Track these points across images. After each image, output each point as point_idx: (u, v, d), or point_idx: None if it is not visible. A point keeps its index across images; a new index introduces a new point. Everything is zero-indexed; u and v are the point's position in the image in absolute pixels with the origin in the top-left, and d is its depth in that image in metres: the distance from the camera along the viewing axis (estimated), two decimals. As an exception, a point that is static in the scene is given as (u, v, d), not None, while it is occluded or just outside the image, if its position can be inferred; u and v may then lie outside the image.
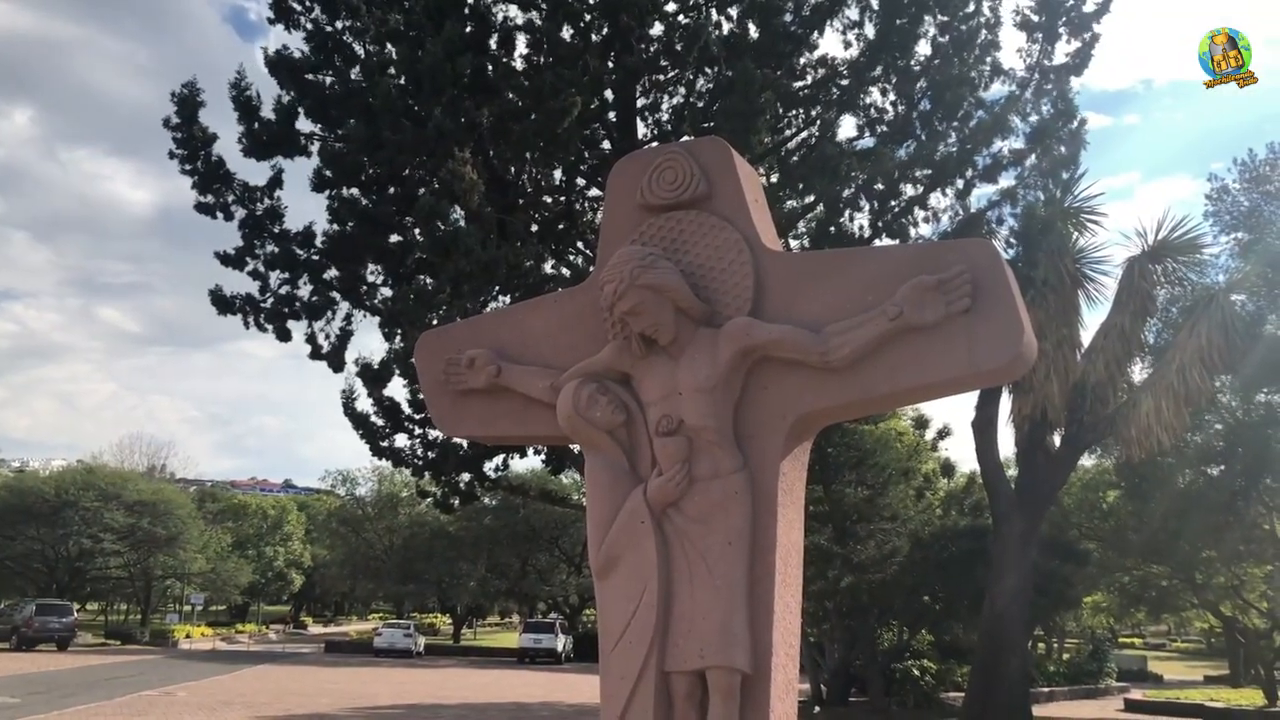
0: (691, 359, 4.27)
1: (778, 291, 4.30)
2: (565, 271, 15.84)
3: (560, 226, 15.82)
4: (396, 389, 15.21)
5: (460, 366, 4.85)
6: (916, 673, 25.82)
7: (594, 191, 16.46)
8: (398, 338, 13.97)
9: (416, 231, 13.12)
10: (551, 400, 4.56)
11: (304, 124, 13.85)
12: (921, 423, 27.52)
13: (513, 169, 14.96)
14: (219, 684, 30.48)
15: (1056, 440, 17.03)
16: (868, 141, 14.88)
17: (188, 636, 57.46)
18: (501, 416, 4.86)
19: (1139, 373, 19.07)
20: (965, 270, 3.92)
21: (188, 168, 13.74)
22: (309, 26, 14.20)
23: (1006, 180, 14.93)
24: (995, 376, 4.28)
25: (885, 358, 4.04)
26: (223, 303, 13.82)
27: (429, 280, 13.72)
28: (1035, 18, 14.61)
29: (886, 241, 14.14)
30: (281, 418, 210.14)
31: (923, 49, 14.52)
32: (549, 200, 16.05)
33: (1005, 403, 17.05)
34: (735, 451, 4.22)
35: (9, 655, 40.50)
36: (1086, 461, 27.29)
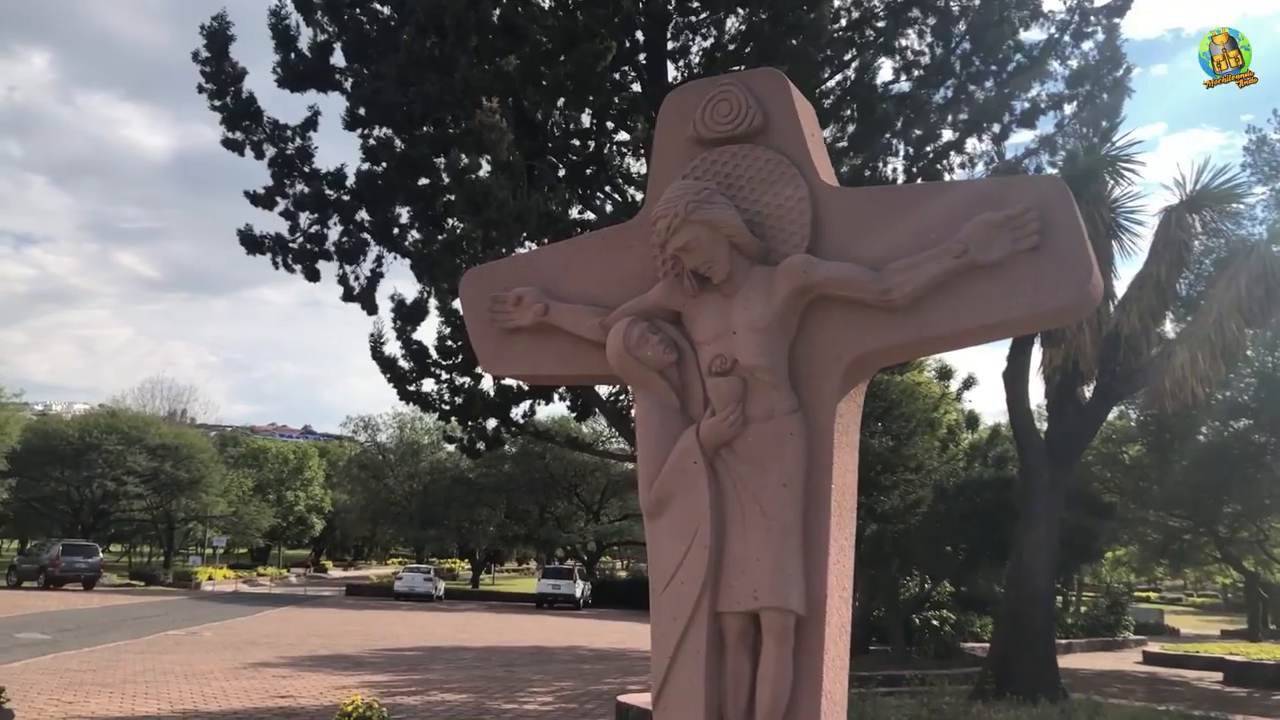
0: (746, 297, 4.16)
1: (836, 228, 4.17)
2: (592, 217, 15.70)
3: (588, 171, 15.67)
4: (423, 333, 15.20)
5: (506, 304, 4.73)
6: (936, 623, 25.93)
7: (621, 135, 16.28)
8: (428, 280, 13.92)
9: (445, 178, 12.99)
10: (600, 339, 4.46)
11: (338, 60, 13.69)
12: (945, 373, 27.39)
13: (539, 114, 14.79)
14: (243, 624, 30.97)
15: (1087, 392, 16.87)
16: (903, 85, 14.66)
17: (210, 578, 58.30)
18: (548, 356, 4.76)
19: (1170, 325, 18.86)
20: (1033, 207, 3.81)
21: (216, 103, 13.58)
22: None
23: (1045, 127, 14.72)
24: (1060, 316, 4.19)
25: (948, 297, 3.92)
26: (252, 242, 13.73)
27: (458, 225, 13.61)
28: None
29: (923, 187, 13.93)
30: (299, 364, 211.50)
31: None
32: (576, 144, 15.87)
33: (1036, 354, 16.89)
34: (790, 392, 4.12)
35: (37, 594, 41.31)
36: (1109, 415, 27.16)
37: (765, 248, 4.21)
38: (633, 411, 17.36)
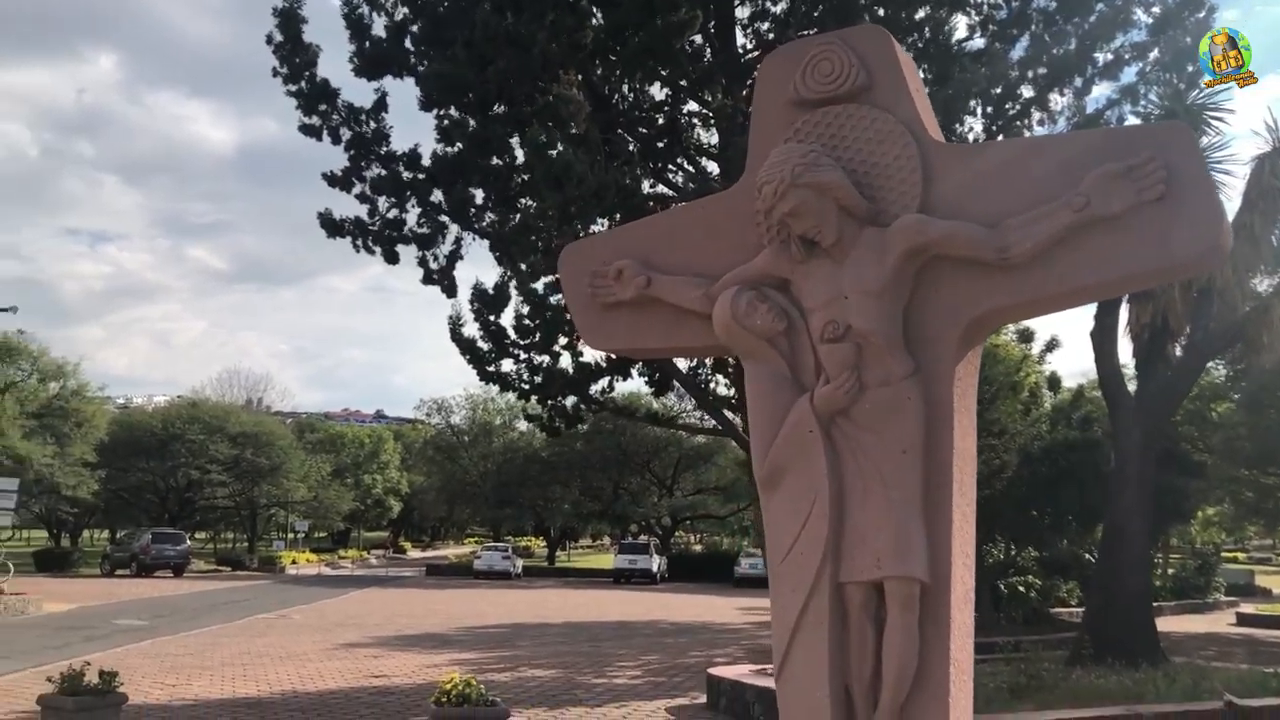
0: (857, 261, 4.04)
1: (947, 185, 4.04)
2: (666, 190, 15.59)
3: (660, 145, 15.56)
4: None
5: (607, 279, 4.66)
6: (1023, 589, 25.53)
7: (691, 106, 16.11)
8: (506, 261, 13.94)
9: (521, 155, 12.98)
10: (705, 310, 4.37)
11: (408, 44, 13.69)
12: (1026, 336, 26.86)
13: (607, 88, 14.69)
14: (330, 606, 31.57)
15: (1177, 350, 16.41)
16: (978, 42, 14.31)
17: (294, 562, 59.58)
18: (651, 328, 4.69)
19: (1262, 278, 18.25)
20: (1156, 156, 3.64)
21: (292, 88, 13.67)
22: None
23: (1127, 77, 14.30)
24: (1189, 268, 4.04)
25: (1069, 252, 3.78)
26: (332, 226, 13.87)
27: (532, 205, 13.61)
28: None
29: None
30: (368, 350, 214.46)
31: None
32: (646, 117, 15.75)
33: (1123, 313, 16.45)
34: (906, 357, 4.00)
35: (130, 581, 42.51)
36: (1196, 372, 26.38)
37: (874, 209, 4.09)
38: (711, 384, 17.19)
